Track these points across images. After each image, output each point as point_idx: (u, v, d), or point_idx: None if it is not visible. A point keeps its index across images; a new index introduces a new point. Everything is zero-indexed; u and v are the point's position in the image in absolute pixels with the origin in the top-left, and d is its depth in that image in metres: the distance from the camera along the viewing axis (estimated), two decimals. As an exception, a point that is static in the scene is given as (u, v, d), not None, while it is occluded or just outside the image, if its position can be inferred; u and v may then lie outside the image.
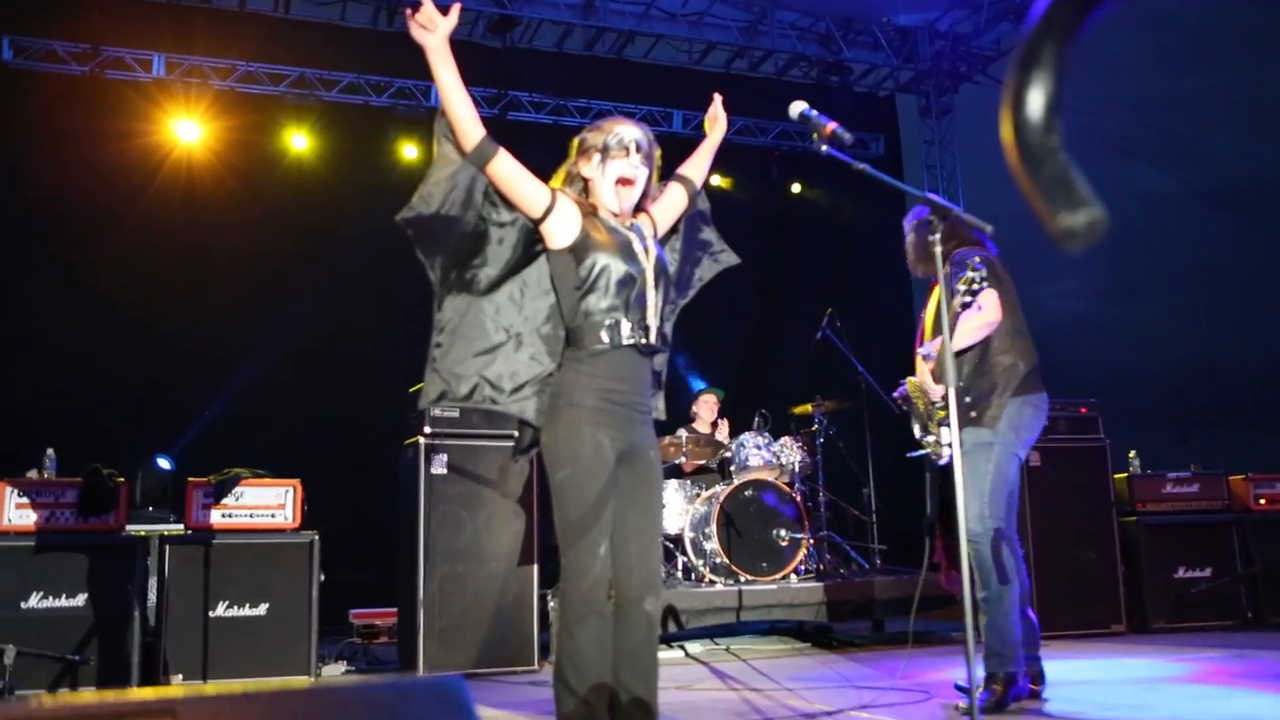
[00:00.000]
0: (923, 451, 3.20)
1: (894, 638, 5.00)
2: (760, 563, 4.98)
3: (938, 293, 2.57)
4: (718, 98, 2.63)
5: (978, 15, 8.71)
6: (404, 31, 2.15)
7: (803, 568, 5.10)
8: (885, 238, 9.03)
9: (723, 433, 5.87)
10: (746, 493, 5.10)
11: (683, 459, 5.53)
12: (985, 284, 2.78)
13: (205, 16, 7.60)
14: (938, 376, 3.07)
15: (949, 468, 3.08)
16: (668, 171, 2.52)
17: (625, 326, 2.20)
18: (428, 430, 4.19)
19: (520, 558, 4.21)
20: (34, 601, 3.86)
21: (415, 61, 2.16)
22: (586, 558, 2.14)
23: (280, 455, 5.31)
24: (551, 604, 4.22)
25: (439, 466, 4.17)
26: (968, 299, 2.74)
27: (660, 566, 2.44)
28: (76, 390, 6.48)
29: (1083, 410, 4.98)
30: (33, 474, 4.18)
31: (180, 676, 3.95)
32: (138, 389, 6.63)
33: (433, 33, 2.09)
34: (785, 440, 5.49)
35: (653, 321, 2.25)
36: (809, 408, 5.73)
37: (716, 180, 8.35)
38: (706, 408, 5.97)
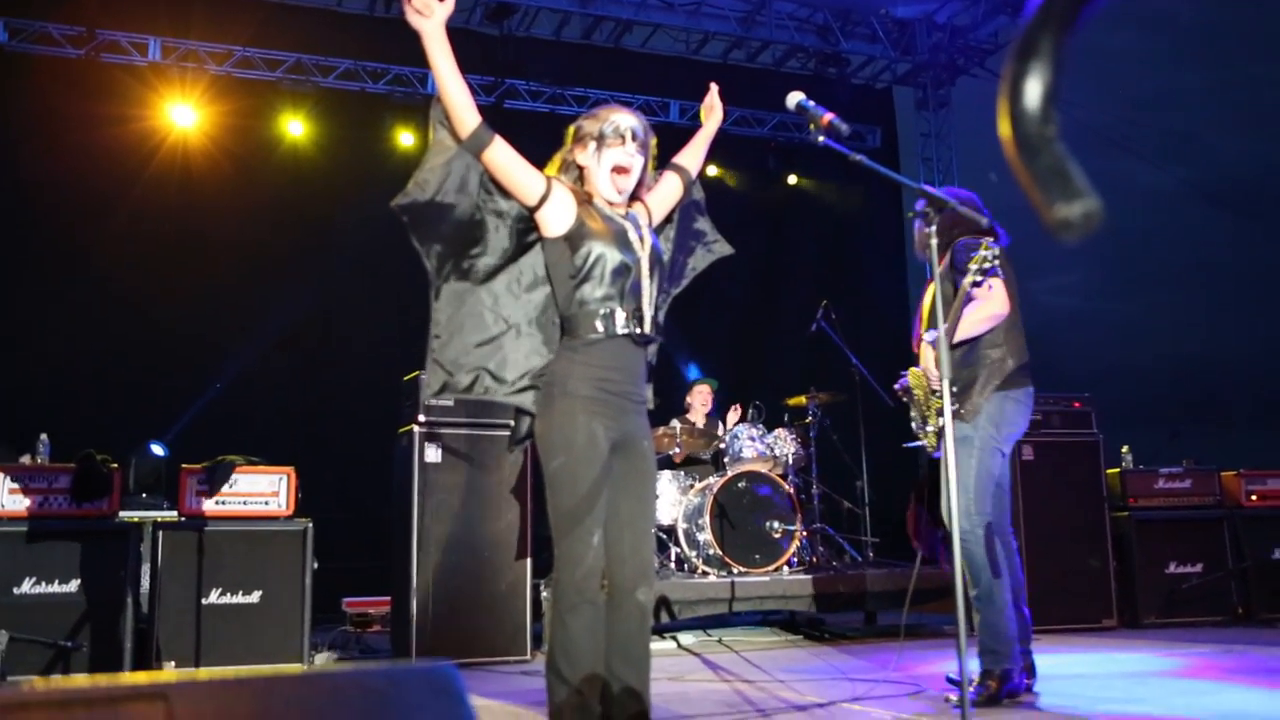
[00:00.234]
0: (919, 443, 3.20)
1: (886, 630, 5.02)
2: (753, 554, 4.99)
3: (934, 282, 2.57)
4: (714, 88, 2.62)
5: (976, 8, 8.70)
6: (401, 17, 2.14)
7: (795, 560, 5.12)
8: (881, 230, 9.09)
9: (734, 418, 5.83)
10: (740, 484, 5.11)
11: (677, 450, 5.54)
12: (997, 264, 2.75)
13: (202, 0, 7.55)
14: (938, 363, 3.06)
15: (939, 462, 3.08)
16: (663, 161, 2.51)
17: (620, 316, 2.20)
18: (422, 418, 4.18)
19: (514, 547, 4.22)
20: (27, 587, 3.86)
21: (412, 48, 2.15)
22: (580, 547, 2.14)
23: (274, 442, 5.31)
24: (545, 593, 4.23)
25: (433, 455, 4.17)
26: (979, 278, 2.71)
27: (653, 557, 2.44)
28: (70, 375, 6.46)
29: (1076, 405, 4.99)
30: (26, 459, 4.17)
31: (173, 663, 3.95)
32: (132, 375, 6.62)
33: (429, 18, 2.07)
34: (779, 432, 5.50)
35: (648, 311, 2.25)
36: (803, 399, 5.74)
37: (713, 171, 8.34)
38: (700, 398, 5.98)
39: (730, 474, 5.13)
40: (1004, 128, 0.58)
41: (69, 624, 3.86)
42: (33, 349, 6.41)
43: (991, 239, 3.04)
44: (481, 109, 2.20)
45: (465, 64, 2.17)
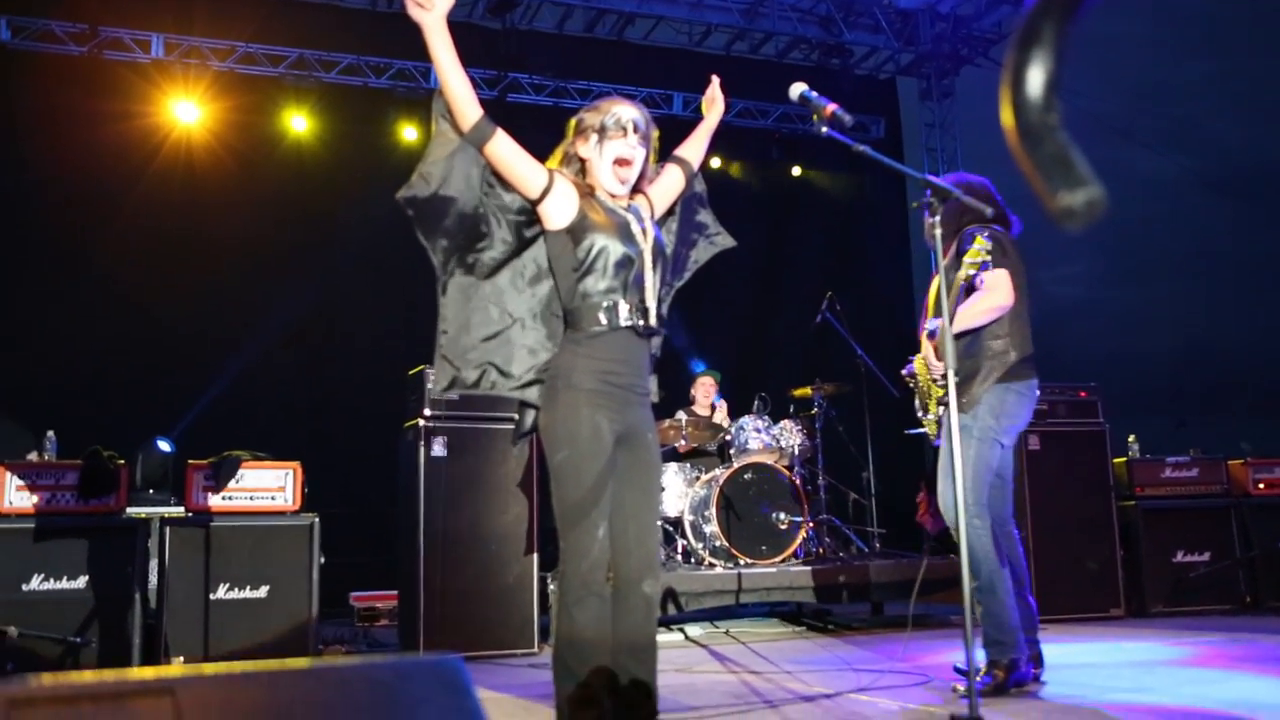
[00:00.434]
0: (921, 430, 3.20)
1: (892, 621, 5.02)
2: (759, 546, 4.99)
3: (940, 272, 2.55)
4: (715, 80, 2.61)
5: (980, -3, 8.65)
6: (403, 12, 2.13)
7: (802, 551, 5.12)
8: (886, 221, 9.06)
9: (721, 414, 5.87)
10: (746, 476, 5.11)
11: (682, 442, 5.54)
12: (991, 259, 2.74)
13: (205, -3, 7.54)
14: (939, 354, 3.05)
15: (944, 450, 3.07)
16: (665, 153, 2.50)
17: (623, 308, 2.20)
18: (427, 413, 4.19)
19: (520, 540, 4.22)
20: (35, 584, 3.87)
21: (414, 43, 2.14)
22: (585, 540, 2.15)
23: (280, 437, 5.32)
24: (551, 586, 4.24)
25: (439, 449, 4.17)
26: (970, 272, 2.71)
27: (658, 548, 2.44)
28: (75, 372, 6.48)
29: (1082, 394, 4.98)
30: (33, 456, 4.18)
31: (181, 658, 3.96)
32: (137, 371, 6.63)
33: (429, 10, 2.07)
34: (785, 423, 5.50)
35: (651, 303, 2.25)
36: (809, 391, 5.73)
37: (716, 163, 8.32)
38: (704, 390, 5.98)
39: (736, 466, 5.13)
40: (1006, 116, 0.58)
41: (78, 620, 3.88)
42: (38, 346, 6.43)
43: (1000, 227, 3.03)
44: (484, 103, 2.19)
45: (468, 57, 2.17)
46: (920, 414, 3.22)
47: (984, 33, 8.94)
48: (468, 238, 2.22)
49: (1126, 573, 4.88)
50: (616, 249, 2.20)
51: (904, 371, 3.28)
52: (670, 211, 2.51)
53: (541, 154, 2.30)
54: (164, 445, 5.29)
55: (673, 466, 5.41)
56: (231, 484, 4.18)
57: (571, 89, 8.15)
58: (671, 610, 4.66)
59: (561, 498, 2.18)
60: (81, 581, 3.92)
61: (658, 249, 2.30)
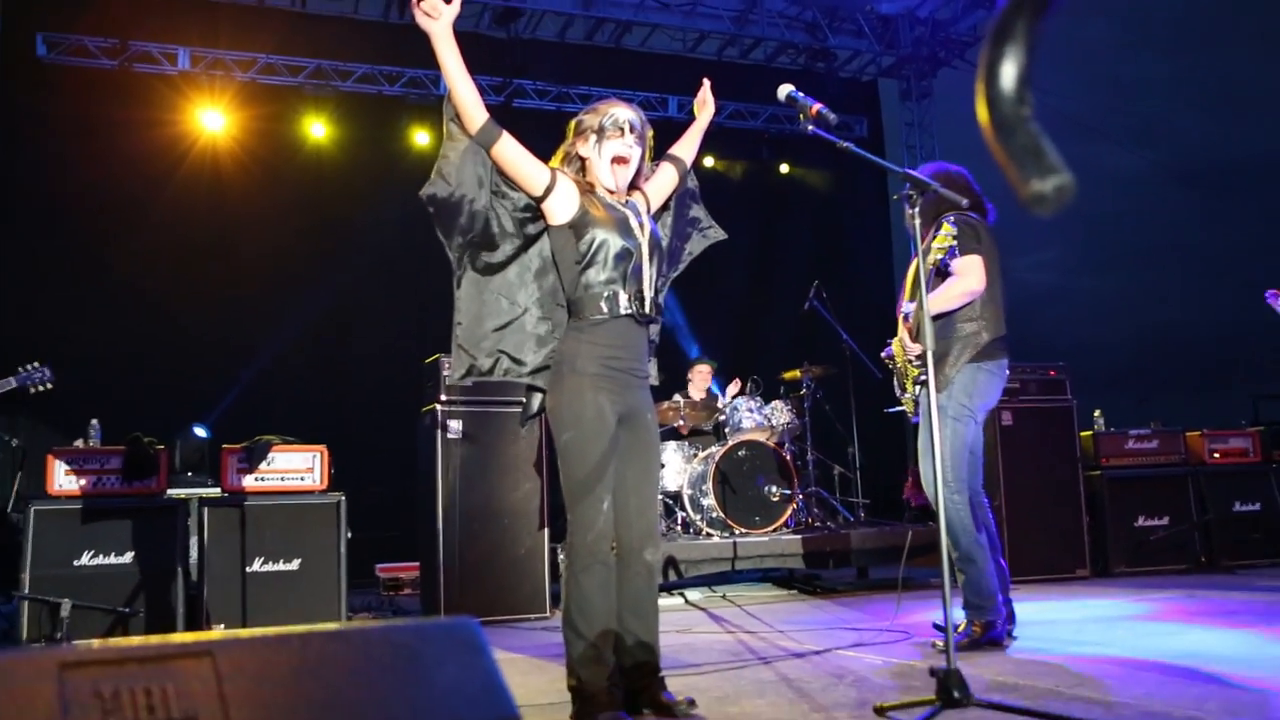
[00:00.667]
0: (899, 408, 3.19)
1: (876, 584, 5.04)
2: (753, 517, 5.01)
3: (917, 257, 2.55)
4: (706, 83, 2.59)
5: (955, 3, 8.60)
6: (413, 24, 2.12)
7: (793, 521, 5.13)
8: (868, 213, 9.03)
9: (733, 390, 5.82)
10: (740, 453, 5.12)
11: (680, 422, 5.55)
12: (959, 245, 2.72)
13: (227, 11, 7.51)
14: (914, 335, 3.04)
15: (923, 425, 3.07)
16: (660, 152, 2.49)
17: (623, 297, 2.20)
18: (443, 398, 4.19)
19: (531, 514, 4.24)
20: (85, 559, 3.90)
21: (425, 52, 2.13)
22: (591, 513, 2.15)
23: (307, 422, 5.32)
24: (561, 556, 4.25)
25: (454, 431, 4.18)
26: (938, 256, 2.69)
27: (658, 519, 2.45)
28: (117, 364, 6.48)
29: (1052, 373, 4.98)
30: (79, 443, 4.20)
31: (221, 626, 3.99)
32: (174, 362, 6.64)
33: (437, 19, 2.06)
34: (776, 403, 5.50)
35: (648, 293, 2.25)
36: (798, 373, 5.73)
37: (709, 161, 8.28)
38: (700, 376, 5.98)
39: (731, 443, 5.13)
40: (981, 109, 0.57)
41: (126, 592, 3.91)
42: (82, 340, 6.43)
43: (976, 214, 3.00)
44: (491, 108, 2.18)
45: (475, 66, 2.16)
46: (899, 393, 3.20)
47: (960, 36, 8.88)
48: (480, 234, 2.22)
49: (1092, 536, 4.90)
50: (616, 242, 2.19)
51: (883, 354, 3.27)
52: (665, 207, 2.50)
53: (545, 155, 2.29)
54: (200, 431, 5.31)
55: (672, 444, 5.42)
56: (263, 466, 4.20)
57: (573, 94, 8.10)
58: (672, 577, 4.68)
59: (568, 474, 2.18)
60: (128, 557, 3.94)
61: (654, 242, 2.30)
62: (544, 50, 8.22)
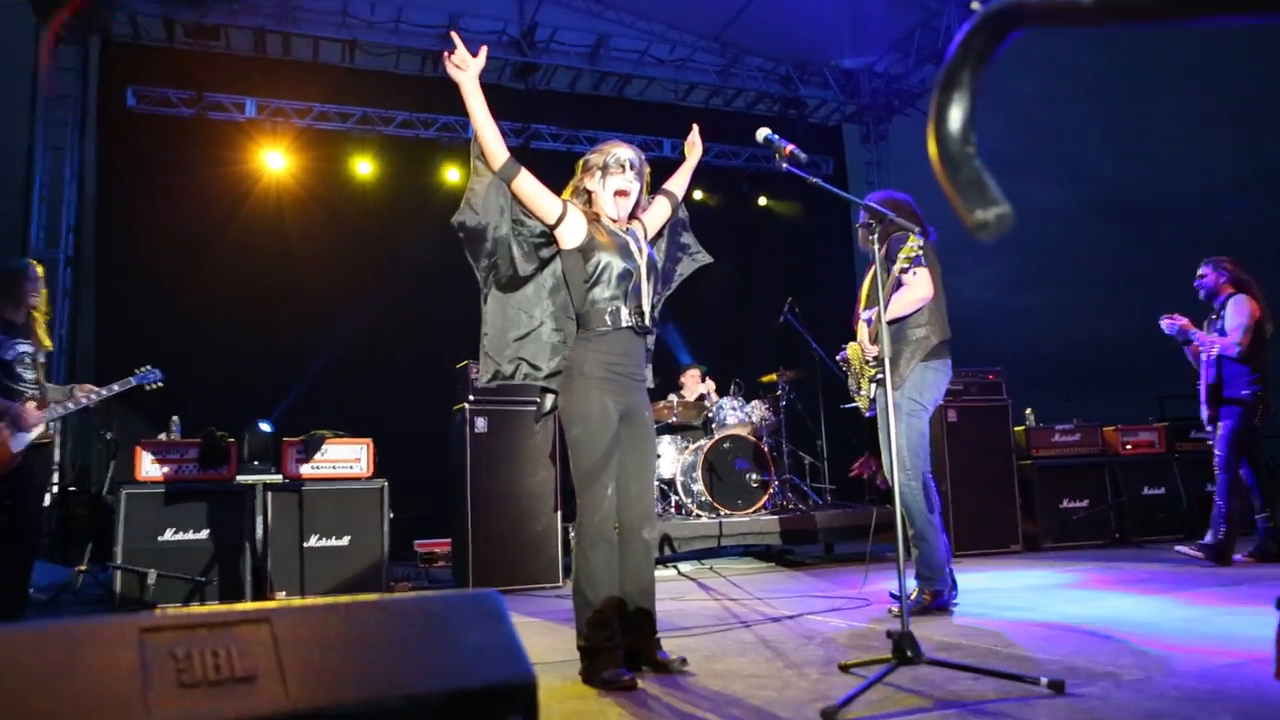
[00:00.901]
0: (854, 404, 3.15)
1: (841, 557, 5.02)
2: (736, 500, 4.99)
3: (873, 271, 2.53)
4: (695, 128, 2.59)
5: (907, 59, 8.62)
6: (445, 76, 2.11)
7: (770, 503, 5.11)
8: (833, 239, 9.02)
9: (708, 388, 5.82)
10: (725, 445, 5.10)
11: (674, 419, 5.53)
12: (922, 255, 2.70)
13: (288, 67, 7.53)
14: (873, 338, 3.01)
15: (874, 421, 3.04)
16: (656, 186, 2.48)
17: (624, 312, 2.19)
18: (471, 398, 4.18)
19: (547, 498, 4.22)
20: (168, 536, 3.89)
21: (456, 100, 2.12)
22: (597, 497, 2.14)
23: (356, 418, 5.31)
24: (571, 534, 4.23)
25: (481, 426, 4.16)
26: (905, 265, 2.65)
27: (655, 503, 2.43)
28: (195, 369, 6.47)
29: (990, 376, 4.97)
30: (162, 437, 4.18)
31: (284, 593, 3.97)
32: (243, 367, 6.63)
33: (466, 71, 2.05)
34: (755, 402, 5.49)
35: (646, 308, 2.24)
36: (774, 376, 5.72)
37: (698, 194, 8.28)
38: (691, 380, 5.96)
39: (717, 437, 5.12)
40: (931, 147, 0.56)
41: (202, 563, 3.90)
42: (164, 347, 6.42)
43: (919, 232, 2.98)
44: (511, 149, 2.18)
45: (498, 112, 2.15)
46: (854, 392, 3.15)
47: (911, 88, 8.90)
48: (502, 257, 2.21)
49: (1023, 516, 4.88)
50: (618, 264, 2.18)
51: (838, 357, 3.23)
52: (660, 234, 2.49)
53: (558, 188, 2.28)
54: (265, 426, 5.28)
55: (666, 438, 5.40)
56: (318, 456, 4.18)
57: (581, 136, 8.11)
58: (666, 552, 4.66)
59: (577, 464, 2.17)
60: (204, 534, 3.93)
61: (651, 264, 2.28)
62: (557, 99, 8.24)
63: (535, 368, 2.24)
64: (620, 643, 2.13)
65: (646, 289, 2.24)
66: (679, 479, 5.19)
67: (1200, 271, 4.05)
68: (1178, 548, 4.13)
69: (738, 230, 8.62)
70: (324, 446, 4.19)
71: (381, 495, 4.18)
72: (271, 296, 6.87)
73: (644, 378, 2.29)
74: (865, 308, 3.08)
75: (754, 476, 5.07)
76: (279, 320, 6.82)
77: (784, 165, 2.31)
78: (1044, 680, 1.76)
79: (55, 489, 5.69)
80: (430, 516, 5.59)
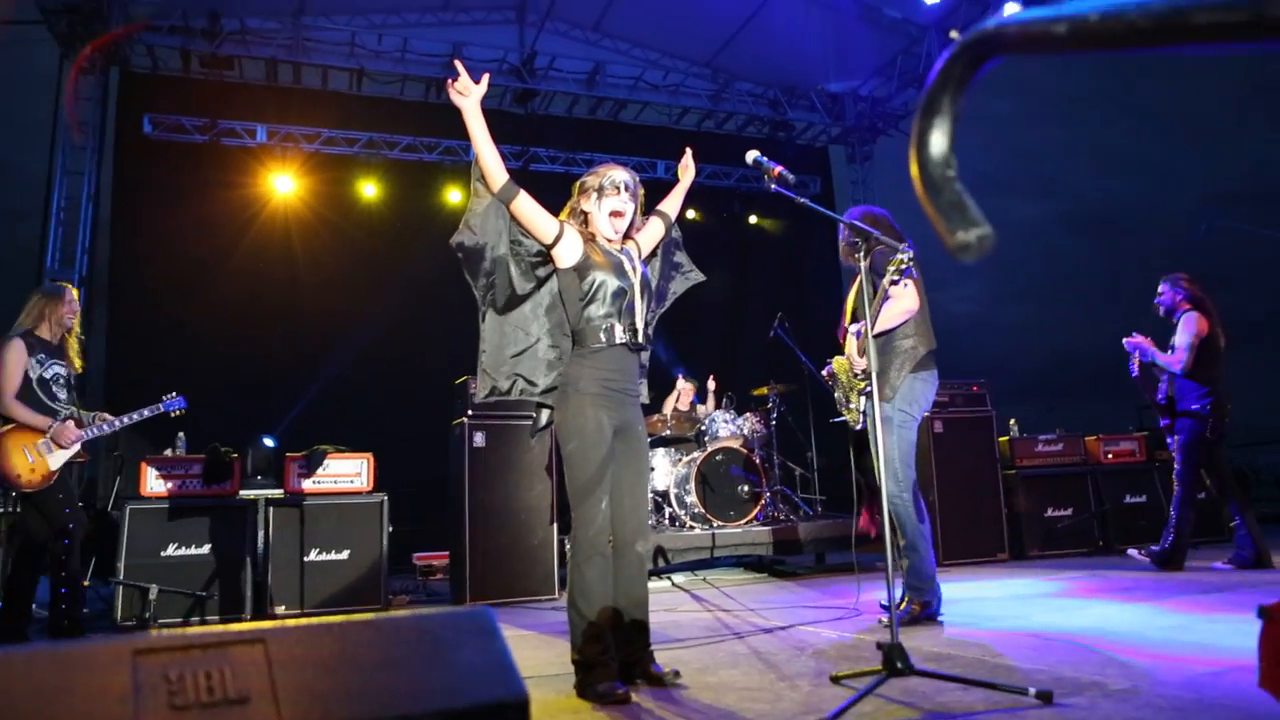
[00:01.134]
0: (842, 418, 3.09)
1: (832, 568, 4.98)
2: (729, 511, 4.95)
3: (858, 285, 2.52)
4: (688, 150, 2.59)
5: (891, 83, 8.70)
6: (449, 103, 2.11)
7: (762, 515, 5.08)
8: (822, 256, 9.05)
9: (708, 405, 5.81)
10: (717, 457, 5.07)
11: (667, 431, 5.51)
12: (911, 267, 2.67)
13: (298, 95, 7.57)
14: (861, 351, 2.97)
15: (863, 433, 3.00)
16: (650, 207, 2.48)
17: (619, 329, 2.17)
18: (470, 413, 4.15)
19: (543, 511, 4.18)
20: (171, 550, 3.84)
21: (458, 125, 2.12)
22: (591, 511, 2.11)
23: (357, 433, 5.28)
24: (567, 547, 4.19)
25: (479, 441, 4.13)
26: (896, 277, 2.61)
27: (648, 516, 2.40)
28: (200, 385, 6.42)
29: (975, 388, 4.96)
30: (168, 452, 4.14)
31: (283, 607, 3.91)
32: (248, 384, 6.60)
33: (468, 97, 2.05)
34: (747, 415, 5.47)
35: (640, 325, 2.22)
36: (765, 390, 5.70)
37: (691, 214, 8.32)
38: (684, 392, 5.95)
39: (710, 449, 5.09)
40: (914, 170, 0.55)
41: (203, 578, 3.84)
42: (170, 363, 6.39)
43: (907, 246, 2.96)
44: (511, 171, 2.17)
45: (498, 136, 2.15)
46: (841, 406, 3.07)
47: (895, 111, 8.98)
48: (500, 277, 2.19)
49: (1009, 525, 4.85)
50: (613, 283, 2.17)
51: (824, 371, 3.18)
52: (654, 253, 2.48)
53: (556, 209, 2.28)
54: (268, 442, 5.24)
55: (660, 451, 5.38)
56: (320, 471, 4.14)
57: (578, 159, 8.15)
58: (660, 563, 4.62)
59: (572, 478, 2.14)
60: (206, 548, 3.88)
61: (645, 283, 2.27)
62: (555, 123, 8.29)
63: (532, 383, 2.22)
64: (614, 656, 2.09)
65: (640, 306, 2.23)
66: (672, 491, 5.15)
67: (1159, 289, 4.11)
68: (1129, 550, 4.13)
69: (729, 248, 8.66)
70: (325, 461, 4.15)
71: (381, 509, 4.14)
72: (277, 315, 6.86)
73: (638, 393, 2.27)
74: (851, 321, 3.05)
75: (746, 488, 5.04)
76: (284, 338, 6.80)
77: (773, 186, 2.31)
78: (1032, 691, 1.73)
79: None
80: (429, 529, 5.53)
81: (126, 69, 7.06)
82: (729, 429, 5.32)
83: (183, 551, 3.84)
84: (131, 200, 6.81)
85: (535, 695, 0.97)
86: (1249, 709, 1.58)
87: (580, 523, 2.12)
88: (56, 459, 3.06)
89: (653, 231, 2.44)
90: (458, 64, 2.14)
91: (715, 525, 4.85)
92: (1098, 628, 2.57)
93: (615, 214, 2.25)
